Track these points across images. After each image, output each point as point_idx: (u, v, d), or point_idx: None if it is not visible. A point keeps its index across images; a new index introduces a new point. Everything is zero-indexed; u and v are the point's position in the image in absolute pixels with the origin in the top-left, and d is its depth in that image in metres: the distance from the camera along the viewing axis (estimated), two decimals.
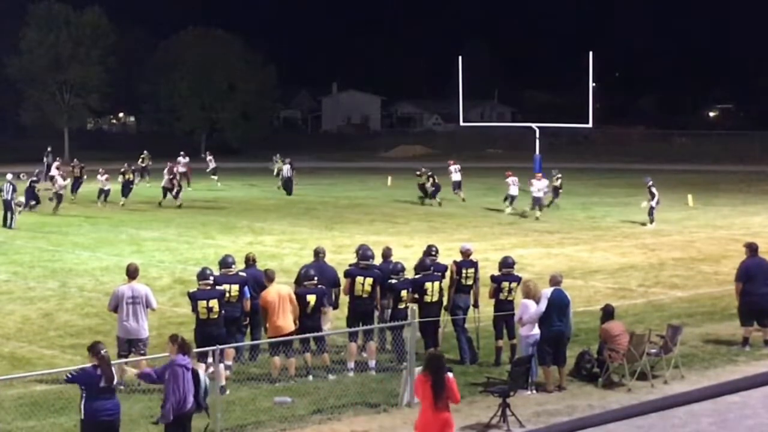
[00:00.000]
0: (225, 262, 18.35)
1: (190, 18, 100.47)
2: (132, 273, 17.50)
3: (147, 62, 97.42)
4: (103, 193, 46.58)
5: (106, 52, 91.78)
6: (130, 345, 17.21)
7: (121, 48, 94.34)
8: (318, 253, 20.05)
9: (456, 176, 48.32)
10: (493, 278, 18.92)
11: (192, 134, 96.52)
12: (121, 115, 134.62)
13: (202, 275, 17.24)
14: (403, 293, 18.31)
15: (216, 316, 16.88)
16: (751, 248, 20.66)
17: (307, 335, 17.57)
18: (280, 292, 17.63)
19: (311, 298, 17.78)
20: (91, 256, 31.44)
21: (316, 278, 18.11)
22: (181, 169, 58.13)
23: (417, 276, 18.82)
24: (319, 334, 17.81)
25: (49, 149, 63.05)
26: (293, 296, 17.68)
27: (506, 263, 19.01)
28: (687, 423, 14.97)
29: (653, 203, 37.87)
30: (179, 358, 13.28)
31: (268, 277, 18.08)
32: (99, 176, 46.97)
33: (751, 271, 20.07)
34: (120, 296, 17.22)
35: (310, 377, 17.53)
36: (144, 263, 29.47)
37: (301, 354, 17.86)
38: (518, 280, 18.83)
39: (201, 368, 16.63)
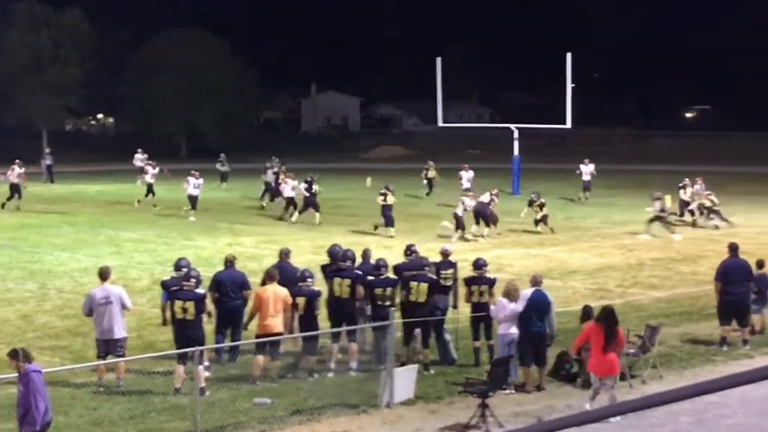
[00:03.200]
0: (177, 266, 18.58)
1: (172, 20, 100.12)
2: (103, 275, 17.69)
3: (128, 63, 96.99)
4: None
5: (86, 54, 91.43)
6: (107, 346, 17.20)
7: (102, 49, 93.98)
8: (281, 254, 20.11)
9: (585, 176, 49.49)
10: (464, 281, 19.01)
11: (172, 136, 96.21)
12: (100, 116, 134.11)
13: (186, 276, 17.30)
14: (378, 291, 18.26)
15: (192, 318, 16.87)
16: (732, 248, 20.90)
17: (296, 335, 17.63)
18: (276, 291, 17.59)
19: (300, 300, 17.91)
20: (70, 258, 31.35)
21: (309, 280, 18.17)
22: (139, 164, 58.16)
23: (405, 274, 18.82)
24: (301, 335, 17.82)
25: (47, 150, 62.94)
26: (289, 299, 17.66)
27: (476, 265, 19.04)
28: (665, 422, 15.05)
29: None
30: (30, 366, 13.01)
31: (269, 275, 18.01)
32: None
33: (729, 271, 20.23)
34: (92, 298, 17.34)
35: (318, 375, 17.54)
36: (123, 264, 29.49)
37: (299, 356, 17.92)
38: (489, 282, 18.75)
39: (180, 370, 16.67)
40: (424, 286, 18.36)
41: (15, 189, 45.82)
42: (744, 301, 20.09)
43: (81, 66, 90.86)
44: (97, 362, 17.13)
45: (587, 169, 49.41)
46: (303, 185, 41.05)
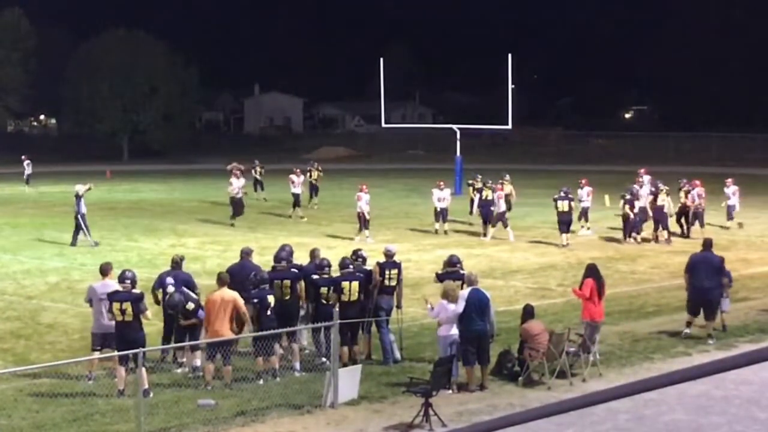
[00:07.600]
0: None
1: (112, 19, 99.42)
2: (104, 271, 17.97)
3: (68, 63, 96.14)
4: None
5: (26, 54, 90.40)
6: (104, 339, 17.26)
7: (42, 49, 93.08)
8: (243, 253, 20.15)
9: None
10: (437, 276, 19.29)
11: (114, 136, 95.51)
12: (42, 117, 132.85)
13: (121, 277, 17.24)
14: (323, 290, 18.39)
15: (131, 319, 16.79)
16: (704, 243, 21.76)
17: (242, 336, 17.62)
18: (223, 296, 17.49)
19: (271, 299, 17.92)
20: (12, 259, 31.12)
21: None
22: (28, 171, 57.60)
23: (336, 275, 18.95)
24: (242, 336, 17.81)
25: None
26: (239, 301, 17.46)
27: (450, 262, 19.28)
28: (605, 420, 15.27)
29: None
30: None
31: (220, 280, 17.97)
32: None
33: (694, 264, 20.96)
34: (94, 291, 17.66)
35: (261, 381, 17.49)
36: (66, 266, 29.33)
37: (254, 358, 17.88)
38: (461, 277, 18.79)
39: (122, 372, 16.62)
40: (355, 284, 18.54)
41: (236, 203, 40.39)
42: (708, 295, 20.57)
43: (21, 66, 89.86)
44: (89, 357, 17.12)
45: (729, 191, 39.42)
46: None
